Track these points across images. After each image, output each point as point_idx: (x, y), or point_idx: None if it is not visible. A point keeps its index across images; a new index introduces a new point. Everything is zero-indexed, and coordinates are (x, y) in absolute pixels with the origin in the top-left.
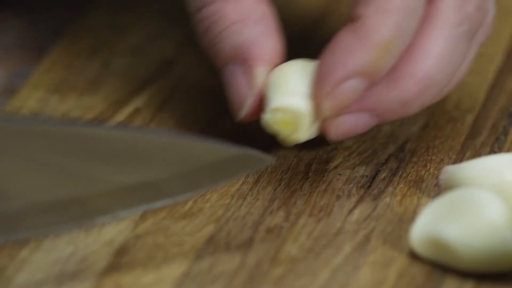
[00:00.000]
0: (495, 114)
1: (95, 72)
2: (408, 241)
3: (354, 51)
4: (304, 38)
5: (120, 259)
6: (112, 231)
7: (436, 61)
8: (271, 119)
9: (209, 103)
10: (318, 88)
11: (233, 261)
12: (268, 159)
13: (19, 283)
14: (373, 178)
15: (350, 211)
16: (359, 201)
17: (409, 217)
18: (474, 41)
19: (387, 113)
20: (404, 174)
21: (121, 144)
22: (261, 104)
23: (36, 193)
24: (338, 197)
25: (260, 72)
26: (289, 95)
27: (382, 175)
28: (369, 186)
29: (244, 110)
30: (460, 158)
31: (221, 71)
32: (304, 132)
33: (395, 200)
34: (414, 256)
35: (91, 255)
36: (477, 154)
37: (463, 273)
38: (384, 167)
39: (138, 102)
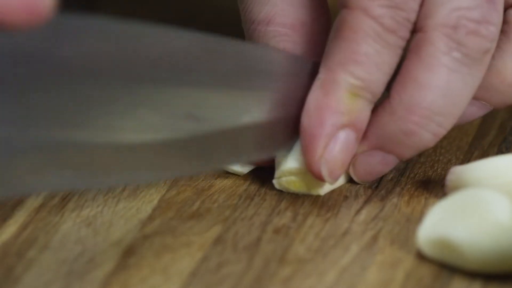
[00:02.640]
0: (503, 114)
1: None
2: (415, 242)
3: (325, 107)
4: None
5: (128, 259)
6: (120, 231)
7: (431, 91)
8: (280, 184)
9: None
10: (308, 158)
11: (240, 261)
12: None
13: (27, 283)
14: (381, 178)
15: (358, 212)
16: (366, 202)
17: (417, 218)
18: (480, 66)
19: (397, 147)
20: (412, 175)
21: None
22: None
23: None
24: (346, 197)
25: None
26: (291, 156)
27: (390, 175)
28: (377, 187)
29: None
30: (467, 158)
31: None
32: (321, 186)
33: (403, 201)
34: (421, 256)
35: (99, 255)
36: (484, 154)
37: (471, 274)
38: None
39: None
